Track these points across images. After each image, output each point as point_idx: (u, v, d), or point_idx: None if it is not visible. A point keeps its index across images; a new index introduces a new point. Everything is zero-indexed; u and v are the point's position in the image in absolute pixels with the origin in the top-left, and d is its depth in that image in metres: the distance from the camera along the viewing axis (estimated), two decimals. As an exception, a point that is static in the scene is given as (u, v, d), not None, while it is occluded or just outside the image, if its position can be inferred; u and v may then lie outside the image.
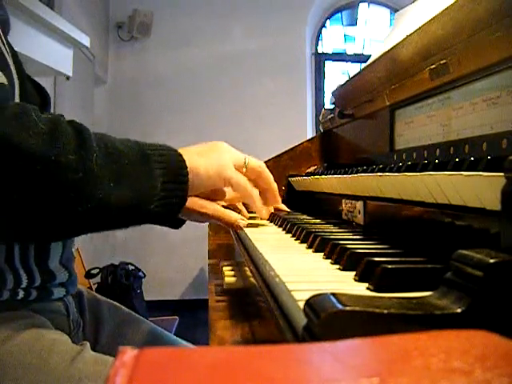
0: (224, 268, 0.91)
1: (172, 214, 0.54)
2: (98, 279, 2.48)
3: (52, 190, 0.44)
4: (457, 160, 0.45)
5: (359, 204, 0.69)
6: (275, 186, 0.69)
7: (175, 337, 0.81)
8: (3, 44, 0.63)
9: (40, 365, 0.53)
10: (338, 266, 0.40)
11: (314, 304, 0.25)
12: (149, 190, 0.50)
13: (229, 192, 0.67)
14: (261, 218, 0.73)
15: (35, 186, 0.44)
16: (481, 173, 0.35)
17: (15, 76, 0.65)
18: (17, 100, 0.64)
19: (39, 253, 0.61)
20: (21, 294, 0.59)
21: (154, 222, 0.54)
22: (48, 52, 1.67)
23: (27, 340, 0.55)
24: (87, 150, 0.46)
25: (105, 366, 0.56)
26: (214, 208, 0.65)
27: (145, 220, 0.53)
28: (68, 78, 1.90)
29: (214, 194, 0.66)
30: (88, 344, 0.61)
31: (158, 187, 0.51)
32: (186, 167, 0.54)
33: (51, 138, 0.45)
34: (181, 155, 0.55)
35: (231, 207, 0.73)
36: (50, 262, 0.62)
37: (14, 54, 0.65)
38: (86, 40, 1.87)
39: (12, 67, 0.64)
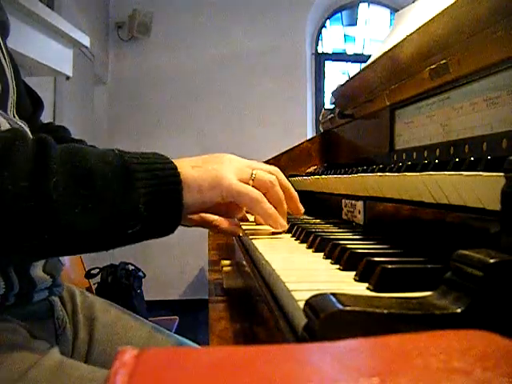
0: (224, 268, 0.91)
1: (160, 233, 0.50)
2: (97, 279, 2.47)
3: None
4: (457, 160, 0.45)
5: (359, 204, 0.69)
6: (295, 196, 0.62)
7: (172, 333, 0.80)
8: (1, 48, 0.62)
9: None
10: (337, 266, 0.40)
11: (314, 304, 0.25)
12: (126, 212, 0.46)
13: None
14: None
15: None
16: (481, 173, 0.35)
17: (12, 81, 0.65)
18: (13, 105, 0.63)
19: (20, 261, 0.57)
20: None
21: (142, 240, 0.49)
22: (48, 52, 1.67)
23: None
24: (45, 175, 0.42)
25: (63, 372, 0.52)
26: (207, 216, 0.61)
27: (127, 241, 0.48)
28: (68, 78, 1.91)
29: (228, 211, 0.62)
30: (55, 349, 0.57)
31: (140, 208, 0.46)
32: (180, 183, 0.49)
33: None
34: (174, 169, 0.49)
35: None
36: (32, 270, 0.59)
37: (11, 58, 0.65)
38: (86, 40, 1.87)
39: (8, 72, 0.63)
